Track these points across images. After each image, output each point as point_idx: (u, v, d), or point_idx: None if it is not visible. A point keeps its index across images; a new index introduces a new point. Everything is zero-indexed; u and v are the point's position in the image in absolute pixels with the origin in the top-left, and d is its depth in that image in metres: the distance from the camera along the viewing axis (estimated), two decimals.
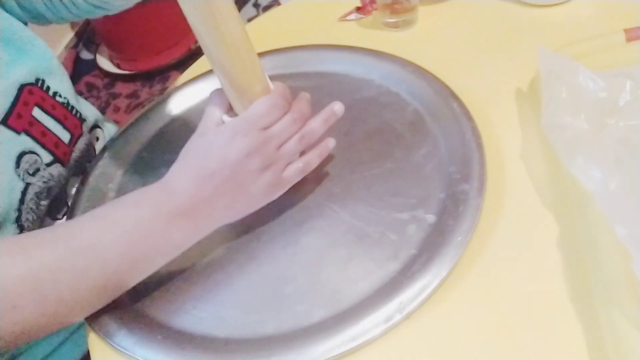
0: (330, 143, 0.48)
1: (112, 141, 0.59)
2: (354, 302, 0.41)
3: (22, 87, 0.51)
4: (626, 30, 0.54)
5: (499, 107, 0.54)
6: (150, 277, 0.46)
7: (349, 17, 0.70)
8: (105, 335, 0.42)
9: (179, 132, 0.60)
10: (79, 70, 1.92)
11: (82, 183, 0.55)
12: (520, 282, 0.41)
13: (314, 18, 0.72)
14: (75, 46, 2.05)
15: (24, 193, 0.49)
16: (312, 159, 0.47)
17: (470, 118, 0.51)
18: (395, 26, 0.66)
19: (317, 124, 0.46)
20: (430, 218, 0.45)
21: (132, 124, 0.61)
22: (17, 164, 0.49)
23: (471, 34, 0.64)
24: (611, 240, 0.39)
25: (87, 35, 2.07)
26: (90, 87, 1.86)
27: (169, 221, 0.42)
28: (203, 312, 0.43)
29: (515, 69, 0.57)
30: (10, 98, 0.49)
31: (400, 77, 0.57)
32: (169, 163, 0.59)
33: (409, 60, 0.58)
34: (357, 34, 0.68)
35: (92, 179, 0.55)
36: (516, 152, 0.50)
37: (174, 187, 0.43)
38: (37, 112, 0.52)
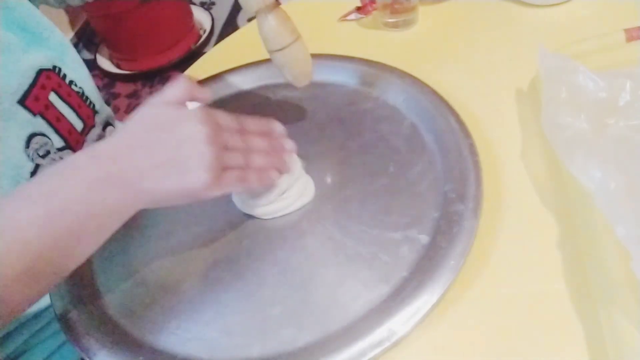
0: (273, 174, 0.45)
1: None
2: (341, 326, 0.40)
3: (40, 72, 0.53)
4: (626, 30, 0.54)
5: (499, 107, 0.54)
6: (133, 293, 0.45)
7: (349, 17, 0.70)
8: (87, 355, 0.41)
9: None
10: None
11: None
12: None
13: (314, 18, 0.72)
14: (75, 46, 2.05)
15: (33, 174, 0.50)
16: (251, 176, 0.43)
17: (467, 134, 0.49)
18: (395, 26, 0.66)
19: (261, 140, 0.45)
20: (424, 239, 0.44)
21: None
22: (27, 144, 0.50)
23: (471, 34, 0.64)
24: (611, 240, 0.39)
25: (87, 35, 2.07)
26: None
27: (89, 188, 0.37)
28: (187, 333, 0.42)
29: (515, 69, 0.57)
30: (29, 80, 0.51)
31: (397, 89, 0.56)
32: None
33: (407, 73, 0.57)
34: (357, 34, 0.68)
35: None
36: (516, 152, 0.50)
37: (98, 151, 0.39)
38: (53, 97, 0.54)
